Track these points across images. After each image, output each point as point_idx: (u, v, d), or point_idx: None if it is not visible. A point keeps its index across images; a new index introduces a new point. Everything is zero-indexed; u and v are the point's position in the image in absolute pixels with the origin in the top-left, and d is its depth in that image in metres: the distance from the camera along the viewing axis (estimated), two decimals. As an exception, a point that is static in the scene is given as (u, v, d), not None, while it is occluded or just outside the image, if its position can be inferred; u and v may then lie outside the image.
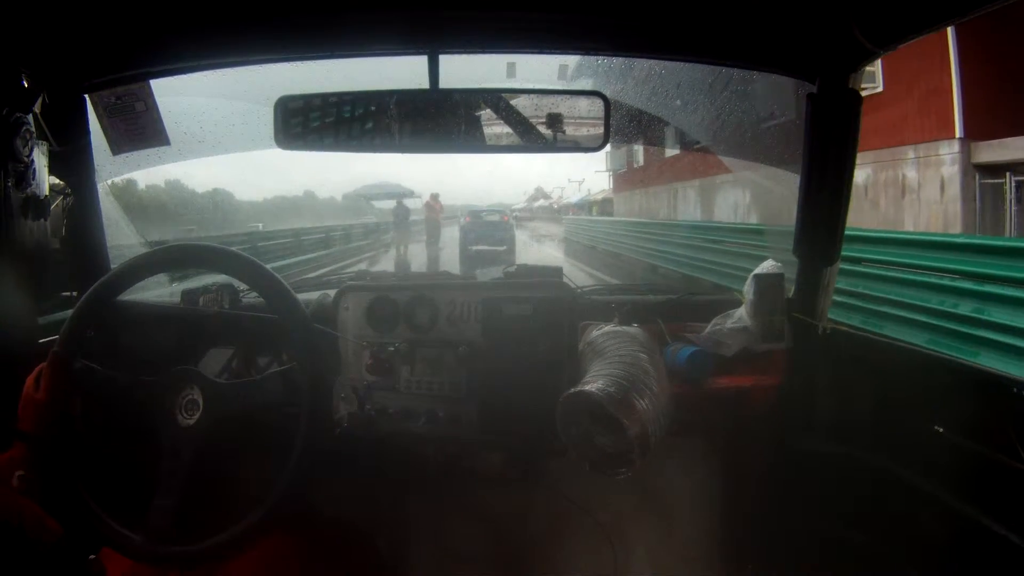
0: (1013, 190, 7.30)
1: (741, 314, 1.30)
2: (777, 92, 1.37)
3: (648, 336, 1.20)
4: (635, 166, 18.61)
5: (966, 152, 7.71)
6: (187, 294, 1.30)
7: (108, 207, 1.31)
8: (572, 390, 1.06)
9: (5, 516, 0.76)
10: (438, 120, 1.16)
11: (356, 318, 1.23)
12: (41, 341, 1.15)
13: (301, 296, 1.13)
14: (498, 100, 1.18)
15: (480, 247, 12.95)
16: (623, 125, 1.53)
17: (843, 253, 1.29)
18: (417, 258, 12.45)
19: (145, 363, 1.10)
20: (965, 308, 3.86)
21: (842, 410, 1.27)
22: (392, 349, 1.20)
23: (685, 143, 1.78)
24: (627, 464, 1.05)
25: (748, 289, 1.31)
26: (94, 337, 1.10)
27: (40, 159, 1.11)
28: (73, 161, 1.21)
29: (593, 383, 1.06)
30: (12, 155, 1.04)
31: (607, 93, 1.17)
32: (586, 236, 16.94)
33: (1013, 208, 7.31)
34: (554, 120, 1.17)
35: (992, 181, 7.55)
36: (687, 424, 1.14)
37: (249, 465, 1.15)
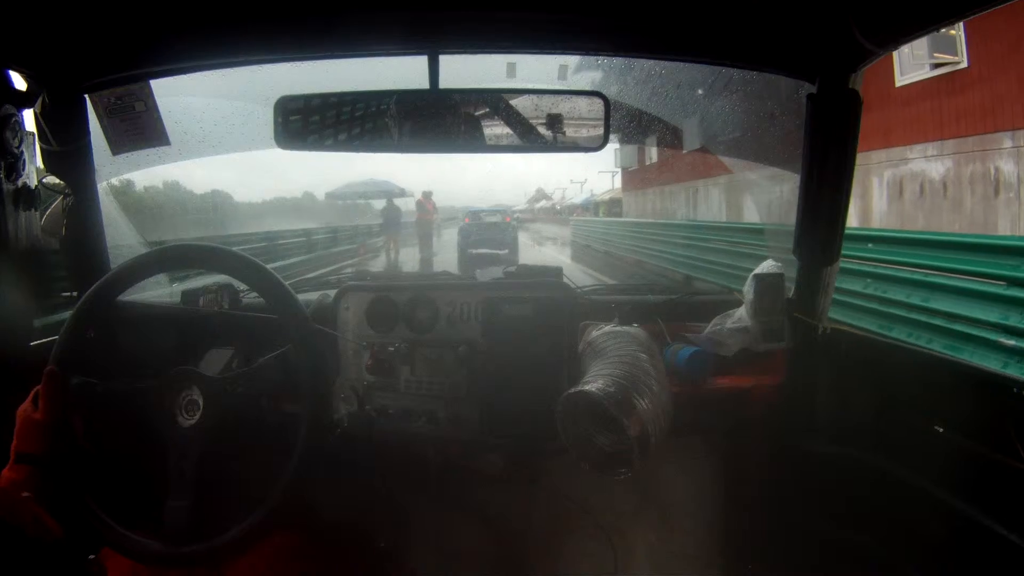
0: None
1: (741, 314, 1.30)
2: (785, 91, 1.36)
3: (648, 336, 1.20)
4: (647, 163, 17.11)
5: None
6: (187, 294, 1.30)
7: (108, 207, 1.31)
8: (572, 390, 1.06)
9: (5, 516, 0.76)
10: (438, 120, 1.16)
11: (356, 318, 1.23)
12: (34, 344, 1.14)
13: (301, 296, 1.13)
14: (498, 100, 1.18)
15: (481, 250, 12.29)
16: (623, 125, 1.53)
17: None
18: (408, 265, 11.33)
19: (145, 364, 1.09)
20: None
21: (842, 410, 1.27)
22: (392, 349, 1.20)
23: (686, 144, 1.76)
24: (627, 464, 1.05)
25: (748, 289, 1.31)
26: (94, 338, 1.10)
27: (28, 150, 1.10)
28: (73, 161, 1.21)
29: (593, 383, 1.06)
30: (1, 148, 1.03)
31: (607, 93, 1.17)
32: (599, 240, 15.30)
33: None
34: (554, 120, 1.17)
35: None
36: (687, 424, 1.14)
37: (251, 464, 1.15)
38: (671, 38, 1.22)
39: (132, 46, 1.15)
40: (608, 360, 1.11)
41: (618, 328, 1.20)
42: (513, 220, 14.30)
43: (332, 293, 1.28)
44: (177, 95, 1.28)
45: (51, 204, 1.19)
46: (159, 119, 1.25)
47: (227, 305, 1.24)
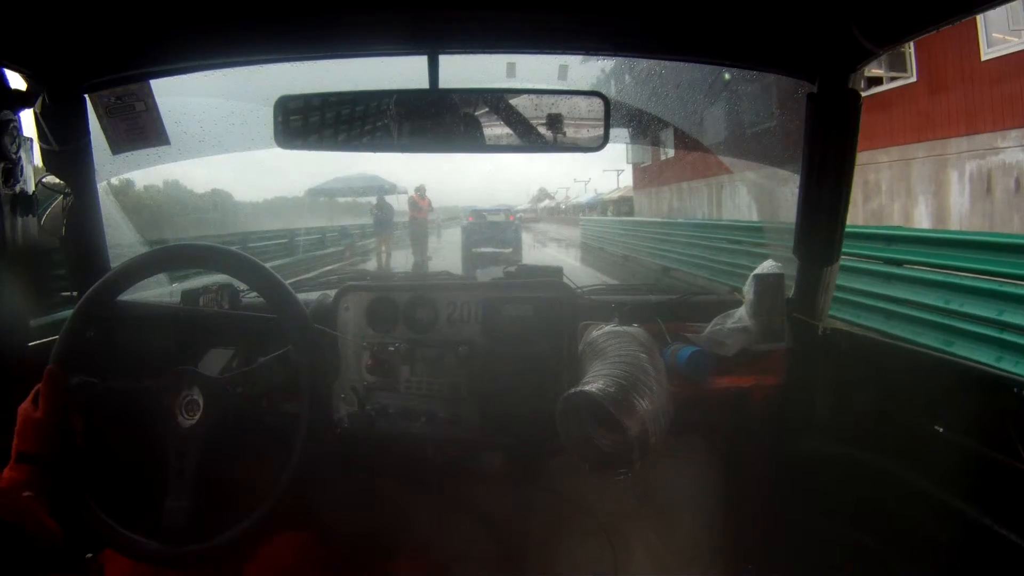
0: None
1: (741, 314, 1.30)
2: (793, 91, 1.35)
3: (648, 336, 1.20)
4: (662, 158, 15.32)
5: None
6: (187, 294, 1.30)
7: (108, 207, 1.31)
8: (572, 390, 1.06)
9: (5, 516, 0.76)
10: (438, 120, 1.16)
11: (356, 318, 1.23)
12: (31, 345, 1.14)
13: (301, 296, 1.13)
14: (498, 100, 1.18)
15: (484, 249, 12.11)
16: (635, 120, 1.52)
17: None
18: (401, 270, 9.53)
19: (145, 364, 1.09)
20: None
21: (842, 410, 1.27)
22: (392, 349, 1.20)
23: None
24: (627, 464, 1.04)
25: (748, 289, 1.31)
26: (94, 338, 1.10)
27: (26, 155, 1.10)
28: (73, 161, 1.21)
29: (593, 383, 1.06)
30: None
31: (607, 93, 1.16)
32: (615, 242, 13.56)
33: None
34: (554, 120, 1.17)
35: None
36: (687, 424, 1.14)
37: (251, 464, 1.15)
38: (671, 38, 1.22)
39: (132, 46, 1.15)
40: (608, 360, 1.11)
41: (618, 328, 1.20)
42: (516, 219, 14.08)
43: (332, 293, 1.28)
44: (177, 95, 1.28)
45: (51, 204, 1.19)
46: (159, 119, 1.25)
47: (227, 305, 1.24)
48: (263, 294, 1.09)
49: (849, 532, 1.20)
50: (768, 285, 1.30)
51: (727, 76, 1.50)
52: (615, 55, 1.40)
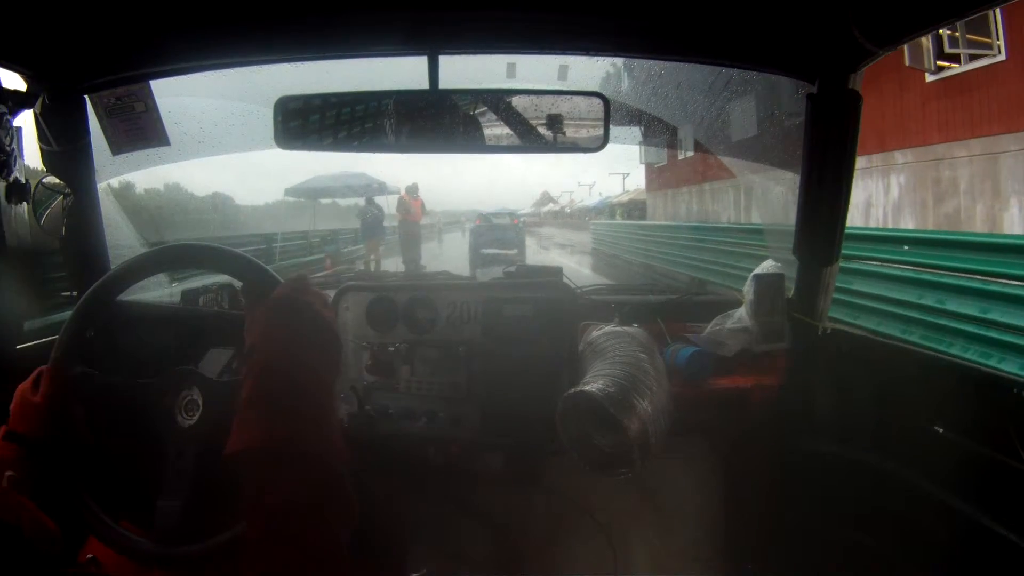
0: None
1: (741, 314, 1.30)
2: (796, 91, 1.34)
3: (648, 336, 1.20)
4: (680, 157, 13.83)
5: None
6: (187, 294, 1.30)
7: (108, 207, 1.31)
8: (572, 390, 1.06)
9: (2, 515, 0.76)
10: (438, 120, 1.16)
11: (356, 318, 1.23)
12: (20, 347, 1.13)
13: None
14: (498, 100, 1.18)
15: (491, 250, 12.42)
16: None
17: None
18: None
19: (145, 364, 1.09)
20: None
21: (842, 410, 1.27)
22: (392, 349, 1.20)
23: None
24: (627, 464, 1.05)
25: (748, 289, 1.31)
26: (94, 338, 1.10)
27: (18, 148, 1.10)
28: (73, 161, 1.21)
29: (593, 383, 1.06)
30: None
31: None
32: (632, 249, 12.18)
33: None
34: (554, 120, 1.17)
35: None
36: (687, 424, 1.14)
37: None
38: (671, 38, 1.22)
39: (132, 46, 1.15)
40: (608, 360, 1.11)
41: (618, 328, 1.20)
42: (520, 222, 14.78)
43: (331, 293, 1.28)
44: (177, 95, 1.28)
45: (51, 204, 1.19)
46: (159, 119, 1.25)
47: (227, 305, 1.24)
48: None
49: (849, 532, 1.20)
50: (768, 285, 1.30)
51: (723, 78, 1.49)
52: (615, 55, 1.39)
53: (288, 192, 12.08)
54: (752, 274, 1.31)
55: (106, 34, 1.10)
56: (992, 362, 3.52)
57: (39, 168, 1.20)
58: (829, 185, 1.22)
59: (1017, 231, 6.52)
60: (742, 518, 1.39)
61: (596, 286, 1.50)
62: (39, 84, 1.13)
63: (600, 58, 1.33)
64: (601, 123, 1.15)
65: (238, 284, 1.23)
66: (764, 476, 1.38)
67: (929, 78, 7.68)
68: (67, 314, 1.02)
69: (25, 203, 1.09)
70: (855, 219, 8.05)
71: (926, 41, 7.14)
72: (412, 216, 10.32)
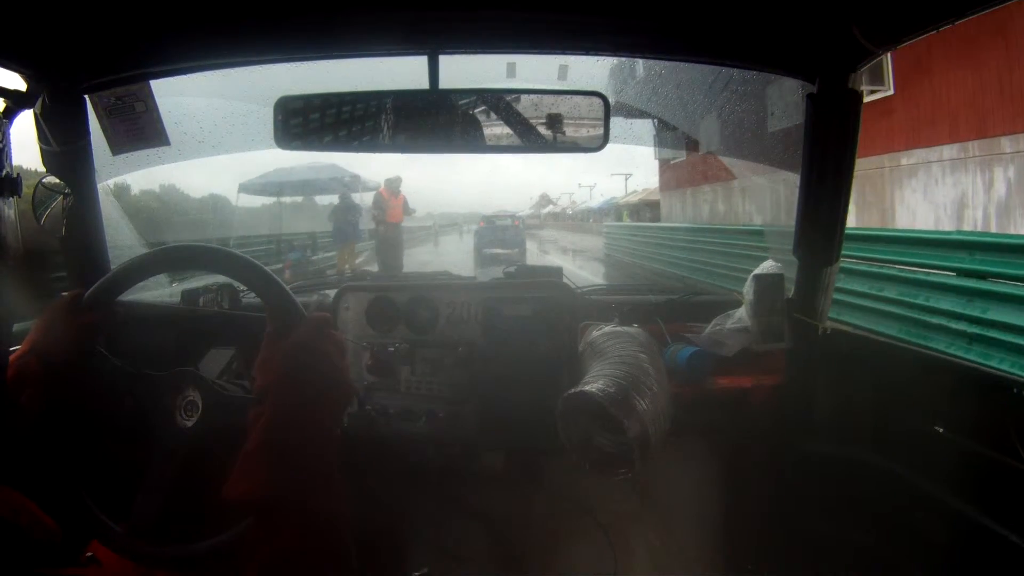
0: None
1: (741, 314, 1.30)
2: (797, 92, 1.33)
3: (648, 336, 1.20)
4: (698, 153, 10.35)
5: None
6: (187, 294, 1.30)
7: (108, 207, 1.31)
8: (572, 390, 1.06)
9: (2, 514, 0.76)
10: (438, 120, 1.16)
11: (356, 318, 1.23)
12: (13, 349, 1.12)
13: (300, 298, 1.13)
14: (498, 100, 1.18)
15: (494, 250, 13.45)
16: (625, 125, 1.51)
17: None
18: None
19: (145, 363, 1.09)
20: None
21: (842, 410, 1.27)
22: (392, 349, 1.20)
23: (690, 145, 1.72)
24: (627, 464, 1.05)
25: (748, 289, 1.31)
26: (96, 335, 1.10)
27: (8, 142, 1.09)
28: (73, 161, 1.21)
29: (593, 383, 1.06)
30: None
31: (607, 93, 1.16)
32: (656, 257, 10.39)
33: None
34: (554, 120, 1.17)
35: None
36: (687, 424, 1.14)
37: None
38: (671, 38, 1.22)
39: (132, 46, 1.15)
40: (608, 360, 1.11)
41: (618, 328, 1.20)
42: (520, 224, 15.77)
43: (331, 293, 1.28)
44: (177, 95, 1.28)
45: (51, 204, 1.19)
46: (159, 119, 1.25)
47: (227, 305, 1.24)
48: (261, 295, 1.09)
49: (849, 532, 1.20)
50: (768, 285, 1.30)
51: (722, 77, 1.48)
52: (615, 55, 1.39)
53: (243, 188, 10.11)
54: (752, 274, 1.31)
55: (106, 34, 1.10)
56: (993, 363, 3.54)
57: (39, 168, 1.20)
58: (829, 185, 1.22)
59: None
60: (742, 518, 1.39)
61: (596, 286, 1.50)
62: (39, 84, 1.12)
63: (600, 58, 1.33)
64: (601, 123, 1.15)
65: (238, 284, 1.22)
66: (764, 476, 1.38)
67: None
68: None
69: (13, 199, 1.08)
70: (942, 222, 6.91)
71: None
72: (391, 216, 8.38)
